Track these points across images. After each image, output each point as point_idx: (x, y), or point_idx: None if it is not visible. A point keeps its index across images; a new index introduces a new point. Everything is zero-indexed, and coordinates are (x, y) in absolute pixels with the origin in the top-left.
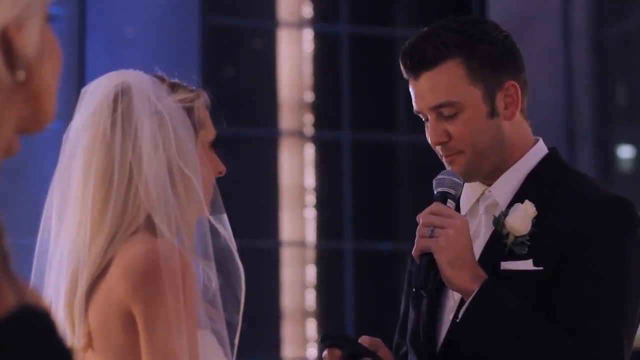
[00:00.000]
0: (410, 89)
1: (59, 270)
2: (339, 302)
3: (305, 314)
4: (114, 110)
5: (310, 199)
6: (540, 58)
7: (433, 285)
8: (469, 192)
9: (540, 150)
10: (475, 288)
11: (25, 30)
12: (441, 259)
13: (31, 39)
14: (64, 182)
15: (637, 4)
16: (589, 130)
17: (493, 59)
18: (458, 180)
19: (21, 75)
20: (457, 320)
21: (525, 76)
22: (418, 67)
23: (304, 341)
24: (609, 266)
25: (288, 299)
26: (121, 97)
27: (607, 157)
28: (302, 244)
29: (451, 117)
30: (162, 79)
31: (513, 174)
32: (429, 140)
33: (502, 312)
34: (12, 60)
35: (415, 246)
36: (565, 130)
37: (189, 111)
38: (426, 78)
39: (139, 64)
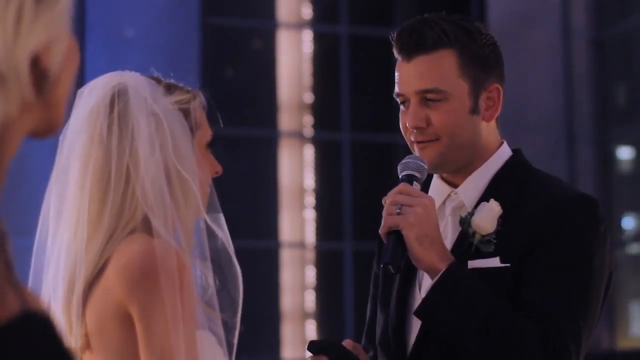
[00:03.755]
0: (397, 71)
1: (57, 272)
2: (338, 303)
3: (304, 315)
4: (111, 111)
5: (310, 200)
6: (540, 58)
7: (401, 260)
8: (435, 194)
9: (504, 152)
10: (442, 267)
11: (53, 50)
12: (409, 235)
13: (58, 58)
14: (61, 183)
15: (637, 4)
16: (589, 131)
17: (483, 58)
18: (423, 164)
19: (46, 91)
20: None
21: (504, 86)
22: (415, 49)
23: (304, 342)
24: (572, 259)
25: (287, 300)
26: (118, 99)
27: (607, 158)
28: (301, 245)
29: (434, 105)
30: (158, 80)
31: (479, 175)
32: (405, 124)
33: (468, 293)
34: (39, 79)
35: (382, 224)
36: (565, 131)
37: (186, 112)
38: (419, 62)
39: (139, 65)
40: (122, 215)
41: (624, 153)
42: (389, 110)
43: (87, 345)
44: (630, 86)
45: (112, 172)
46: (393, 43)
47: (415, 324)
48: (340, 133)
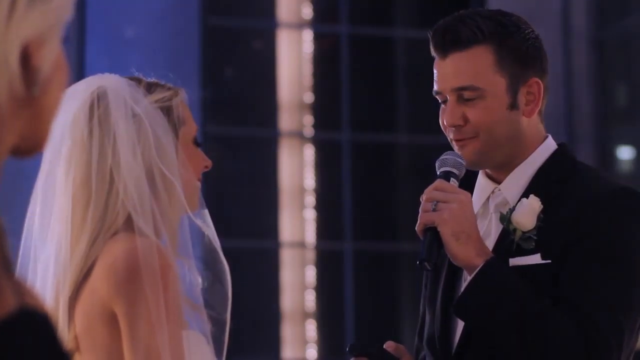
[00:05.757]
0: (435, 69)
1: (44, 277)
2: (338, 303)
3: (304, 315)
4: (91, 116)
5: (310, 199)
6: None
7: (437, 257)
8: (479, 192)
9: (549, 146)
10: (480, 263)
11: (45, 48)
12: (445, 231)
13: (49, 58)
14: (46, 190)
15: (637, 4)
16: (589, 130)
17: (522, 53)
18: (461, 161)
19: (36, 91)
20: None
21: (548, 80)
22: (449, 46)
23: (304, 342)
24: (612, 253)
25: (288, 300)
26: (98, 103)
27: (607, 158)
28: (301, 244)
29: (471, 102)
30: (138, 80)
31: (522, 171)
32: (444, 122)
33: (506, 288)
34: (29, 76)
35: (418, 221)
36: (565, 131)
37: (168, 110)
38: (454, 59)
39: (139, 65)
40: (105, 218)
41: (624, 153)
42: (389, 110)
43: (76, 348)
44: (630, 86)
45: (94, 176)
46: (430, 41)
47: (460, 323)
48: (340, 133)
